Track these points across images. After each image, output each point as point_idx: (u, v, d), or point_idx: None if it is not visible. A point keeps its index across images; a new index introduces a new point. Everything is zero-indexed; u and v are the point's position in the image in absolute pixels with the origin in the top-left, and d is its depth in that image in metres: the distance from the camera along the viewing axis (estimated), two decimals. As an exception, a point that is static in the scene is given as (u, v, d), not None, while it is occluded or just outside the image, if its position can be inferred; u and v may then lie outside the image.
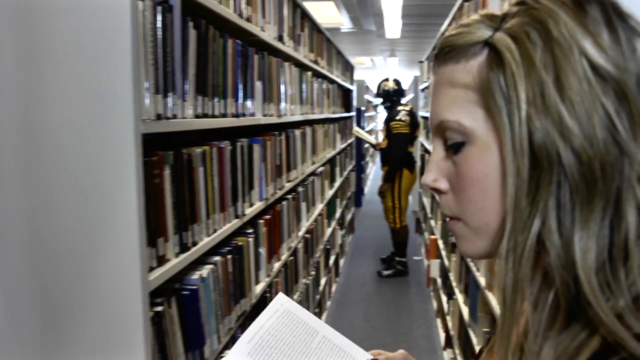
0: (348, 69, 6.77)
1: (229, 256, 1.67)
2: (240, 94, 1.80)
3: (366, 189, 10.32)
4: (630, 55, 0.47)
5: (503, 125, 0.50)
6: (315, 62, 3.73)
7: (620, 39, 0.48)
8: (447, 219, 0.59)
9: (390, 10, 7.01)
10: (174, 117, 1.26)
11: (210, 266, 1.52)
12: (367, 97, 11.14)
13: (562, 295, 0.47)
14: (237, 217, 1.76)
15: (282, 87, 2.53)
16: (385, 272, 5.51)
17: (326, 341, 0.87)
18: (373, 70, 16.63)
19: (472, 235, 0.56)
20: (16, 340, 1.09)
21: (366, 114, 10.67)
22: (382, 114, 9.48)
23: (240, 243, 1.79)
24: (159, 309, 1.21)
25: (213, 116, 1.54)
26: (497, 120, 0.50)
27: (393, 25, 8.12)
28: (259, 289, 2.03)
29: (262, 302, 2.06)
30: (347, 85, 6.15)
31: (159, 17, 1.18)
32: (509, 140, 0.49)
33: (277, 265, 2.38)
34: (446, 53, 0.56)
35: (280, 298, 0.90)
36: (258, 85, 2.06)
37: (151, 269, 1.16)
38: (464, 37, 0.54)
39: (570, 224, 0.47)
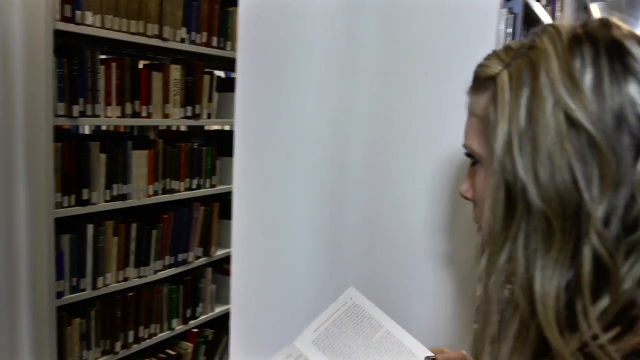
0: None
1: None
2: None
3: None
4: (611, 94, 0.49)
5: (489, 158, 0.54)
6: None
7: (603, 80, 0.49)
8: None
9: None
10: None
11: None
12: None
13: (523, 322, 0.51)
14: None
15: None
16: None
17: (388, 335, 0.91)
18: None
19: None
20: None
21: None
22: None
23: None
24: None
25: None
26: (488, 152, 0.55)
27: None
28: None
29: None
30: None
31: (509, 24, 1.15)
32: (491, 172, 0.54)
33: None
34: (473, 83, 0.61)
35: (351, 292, 0.94)
36: None
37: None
38: (483, 70, 0.58)
39: (533, 254, 0.51)
